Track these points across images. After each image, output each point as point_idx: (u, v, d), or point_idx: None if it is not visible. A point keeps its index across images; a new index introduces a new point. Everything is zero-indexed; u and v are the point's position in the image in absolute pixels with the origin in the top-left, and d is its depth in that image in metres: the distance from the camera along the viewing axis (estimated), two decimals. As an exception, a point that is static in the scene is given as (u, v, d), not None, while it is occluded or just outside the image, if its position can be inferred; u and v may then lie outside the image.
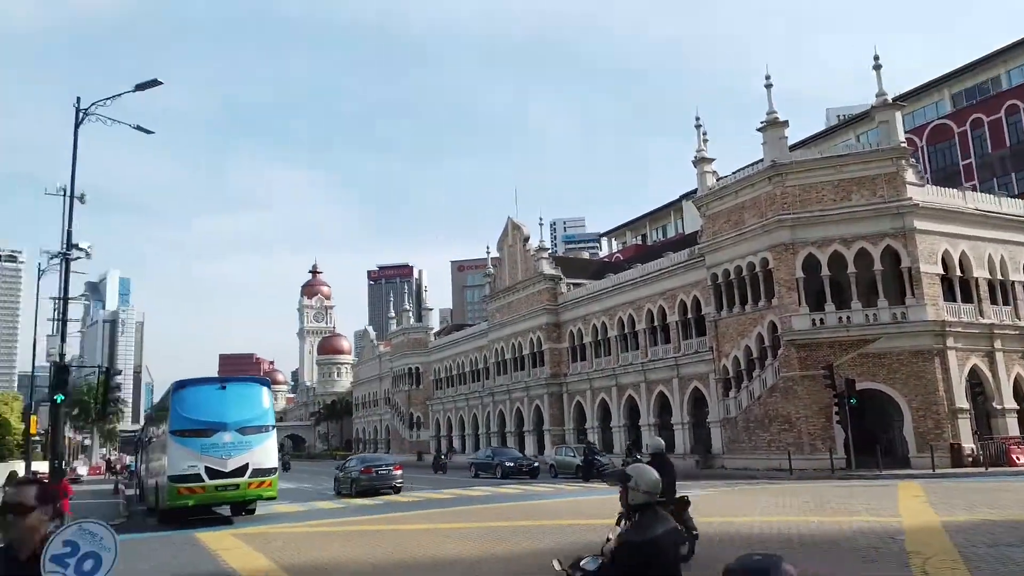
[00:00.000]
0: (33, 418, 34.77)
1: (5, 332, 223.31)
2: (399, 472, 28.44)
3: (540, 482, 32.48)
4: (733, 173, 37.34)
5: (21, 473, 30.50)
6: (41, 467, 34.37)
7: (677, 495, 11.09)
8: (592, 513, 17.98)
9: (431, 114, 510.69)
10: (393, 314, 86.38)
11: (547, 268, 52.28)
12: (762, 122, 34.08)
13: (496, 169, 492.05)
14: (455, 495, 26.61)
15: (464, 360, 66.02)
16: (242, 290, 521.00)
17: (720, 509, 18.30)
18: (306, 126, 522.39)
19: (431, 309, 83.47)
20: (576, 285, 51.02)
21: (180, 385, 20.14)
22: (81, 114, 22.69)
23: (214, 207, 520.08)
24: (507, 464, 36.10)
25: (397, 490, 27.78)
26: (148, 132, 24.29)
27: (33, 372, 40.64)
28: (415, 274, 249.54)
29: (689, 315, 39.68)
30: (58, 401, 21.64)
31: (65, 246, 22.82)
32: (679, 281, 40.31)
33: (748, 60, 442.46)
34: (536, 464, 36.00)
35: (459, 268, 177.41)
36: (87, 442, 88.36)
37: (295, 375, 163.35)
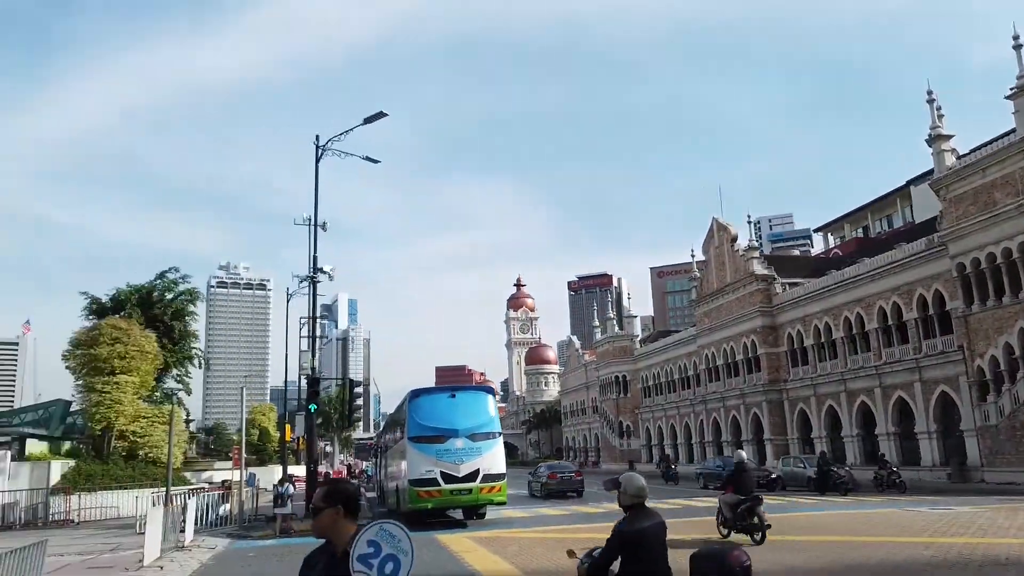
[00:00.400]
0: (287, 426, 39.13)
1: (258, 351, 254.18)
2: (580, 478, 33.07)
3: (771, 494, 30.52)
4: (972, 151, 33.09)
5: (277, 477, 34.29)
6: (298, 471, 38.34)
7: (753, 494, 15.09)
8: (863, 529, 16.57)
9: (630, 122, 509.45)
10: (597, 323, 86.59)
11: (759, 268, 49.64)
12: (1012, 88, 29.88)
13: (694, 172, 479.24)
14: (682, 506, 25.86)
15: (672, 367, 64.54)
16: (453, 305, 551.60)
17: (969, 528, 15.97)
18: (508, 144, 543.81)
19: (635, 316, 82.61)
20: (792, 285, 47.89)
21: (415, 394, 21.49)
22: (320, 150, 25.14)
23: (427, 228, 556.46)
24: None
25: (580, 494, 31.62)
26: (375, 162, 26.32)
27: (285, 385, 45.79)
28: (614, 283, 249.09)
29: (930, 311, 35.61)
30: (311, 410, 24.06)
31: (312, 270, 25.39)
32: (916, 274, 36.37)
33: (963, 28, 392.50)
34: (774, 475, 33.72)
35: (659, 275, 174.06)
36: (328, 448, 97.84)
37: (504, 385, 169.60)
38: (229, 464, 42.46)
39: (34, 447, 28.11)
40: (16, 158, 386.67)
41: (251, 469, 30.42)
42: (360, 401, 27.45)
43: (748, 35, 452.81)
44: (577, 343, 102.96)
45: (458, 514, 22.92)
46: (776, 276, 49.10)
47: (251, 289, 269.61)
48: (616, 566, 4.89)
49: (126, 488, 27.44)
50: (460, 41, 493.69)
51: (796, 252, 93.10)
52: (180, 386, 36.28)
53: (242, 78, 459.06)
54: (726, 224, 54.15)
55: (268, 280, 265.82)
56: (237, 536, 20.69)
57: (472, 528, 20.31)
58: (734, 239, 52.84)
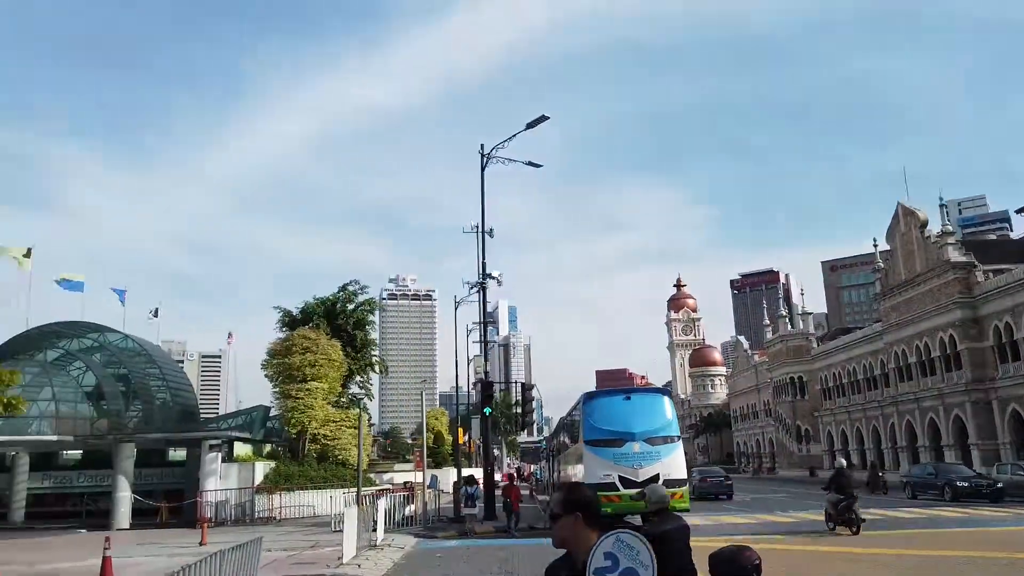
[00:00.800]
0: (460, 429, 40.38)
1: (426, 358, 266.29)
2: (729, 483, 36.82)
3: (999, 506, 27.06)
4: None
5: (451, 479, 35.30)
6: (475, 472, 39.18)
7: (851, 494, 18.56)
8: None
9: (794, 110, 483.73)
10: (768, 321, 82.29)
11: (955, 255, 44.84)
12: None
13: (864, 158, 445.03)
14: (921, 515, 23.60)
15: (855, 366, 59.89)
16: (611, 309, 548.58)
17: None
18: (660, 143, 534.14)
19: (809, 314, 77.54)
20: (996, 272, 42.82)
21: (590, 396, 21.21)
22: (485, 158, 25.61)
23: (580, 233, 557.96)
24: (958, 483, 30.16)
25: (730, 496, 34.55)
26: (538, 166, 26.44)
27: (456, 390, 47.32)
28: (782, 279, 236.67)
29: None
30: (487, 413, 24.49)
31: (481, 276, 25.91)
32: None
33: None
34: (1000, 485, 29.98)
35: (831, 268, 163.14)
36: (495, 452, 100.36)
37: (666, 388, 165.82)
38: (408, 466, 44.42)
39: (239, 449, 30.79)
40: (213, 192, 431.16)
41: (432, 471, 31.49)
42: (533, 404, 27.59)
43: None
44: (745, 343, 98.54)
45: (635, 520, 22.37)
46: (976, 263, 44.15)
47: (418, 300, 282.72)
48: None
49: (320, 488, 29.34)
50: (607, 40, 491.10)
51: (992, 236, 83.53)
52: (363, 392, 38.49)
53: (405, 99, 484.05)
54: (914, 209, 49.47)
55: (433, 290, 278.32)
56: (423, 536, 21.38)
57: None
58: (923, 224, 48.16)
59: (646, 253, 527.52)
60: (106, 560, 13.72)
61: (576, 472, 21.85)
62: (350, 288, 37.02)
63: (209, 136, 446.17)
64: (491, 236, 26.32)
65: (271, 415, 34.46)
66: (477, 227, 26.21)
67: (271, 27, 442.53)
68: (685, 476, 20.22)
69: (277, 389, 32.33)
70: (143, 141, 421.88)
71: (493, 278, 25.88)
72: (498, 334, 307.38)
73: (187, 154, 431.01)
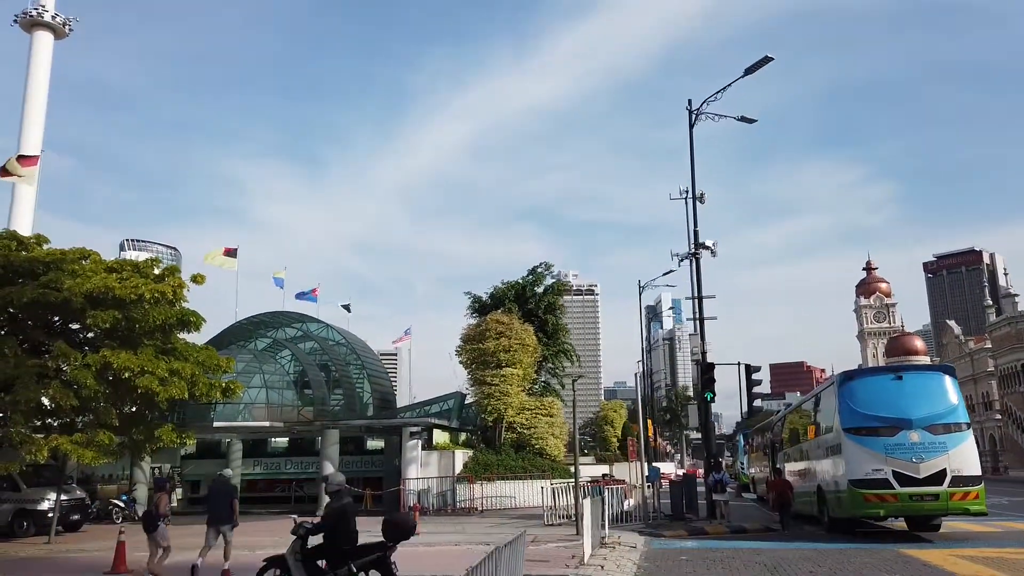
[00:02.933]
0: (648, 421, 37.70)
1: (590, 353, 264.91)
2: None
3: None
4: None
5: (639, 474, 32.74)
6: (660, 467, 36.31)
7: None
8: None
9: (991, 75, 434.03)
10: (990, 302, 72.36)
11: None
12: None
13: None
14: None
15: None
16: (785, 297, 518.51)
17: None
18: (835, 118, 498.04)
19: (1016, 295, 66.88)
20: None
21: (848, 376, 17.94)
22: (694, 114, 22.91)
23: (749, 218, 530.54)
24: None
25: None
26: (751, 121, 23.38)
27: (640, 379, 44.55)
28: (985, 259, 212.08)
29: None
30: (708, 399, 21.79)
31: (692, 245, 23.23)
32: None
33: None
34: None
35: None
36: (670, 447, 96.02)
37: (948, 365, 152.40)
38: (588, 459, 42.31)
39: (438, 437, 30.15)
40: (382, 198, 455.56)
41: (653, 464, 29.21)
42: (757, 388, 24.50)
43: None
44: (957, 328, 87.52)
45: (900, 523, 18.84)
46: None
47: (580, 295, 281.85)
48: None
49: (520, 479, 27.95)
50: (772, 22, 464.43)
51: None
52: (556, 380, 36.90)
53: (559, 95, 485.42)
54: None
55: (596, 285, 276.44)
56: (648, 534, 19.13)
57: (941, 544, 16.16)
58: None
59: (821, 236, 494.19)
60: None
61: (826, 468, 18.64)
62: (539, 270, 35.57)
63: (380, 147, 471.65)
64: (702, 202, 23.56)
65: (466, 403, 33.67)
66: (686, 191, 23.56)
67: (431, 38, 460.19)
68: (979, 472, 16.47)
69: (471, 376, 31.38)
70: (322, 155, 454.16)
71: (707, 248, 23.10)
72: (661, 328, 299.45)
73: (360, 165, 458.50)
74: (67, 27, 66.89)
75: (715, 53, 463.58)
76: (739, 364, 24.75)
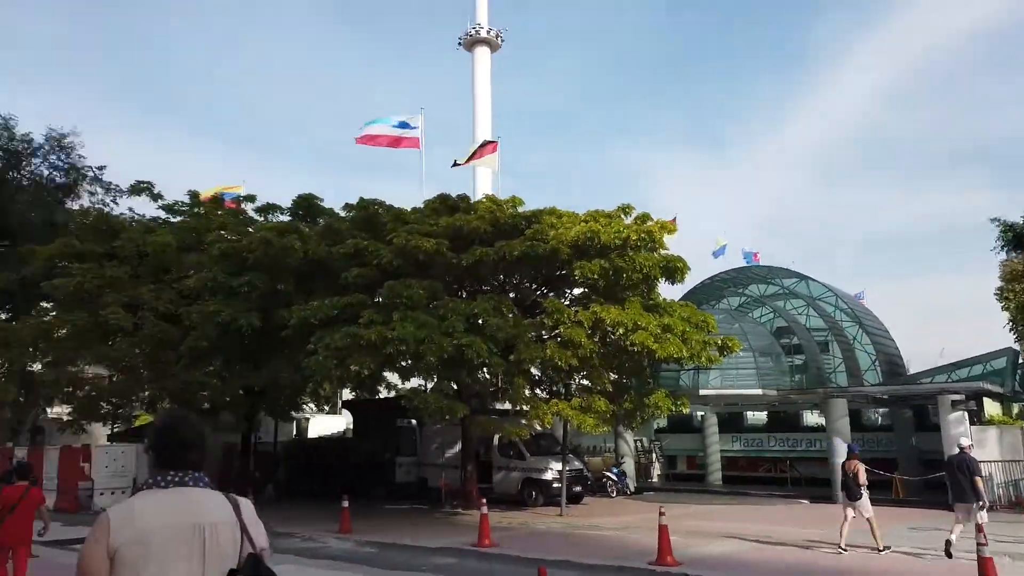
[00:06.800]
0: None
1: None
2: None
3: None
4: None
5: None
6: None
7: None
8: None
9: None
10: None
11: None
12: None
13: None
14: None
15: None
16: None
17: None
18: None
19: None
20: None
21: None
22: None
23: None
24: None
25: None
26: None
27: None
28: None
29: None
30: None
31: None
32: None
33: None
34: None
35: None
36: None
37: None
38: None
39: (991, 408, 22.64)
40: (791, 167, 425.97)
41: None
42: None
43: None
44: None
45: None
46: None
47: None
48: None
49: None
50: None
51: None
52: None
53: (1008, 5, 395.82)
54: None
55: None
56: None
57: None
58: None
59: None
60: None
61: None
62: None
63: (778, 115, 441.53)
64: None
65: (1019, 362, 24.92)
66: None
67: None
68: None
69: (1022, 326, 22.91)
70: (723, 134, 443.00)
71: None
72: None
73: (761, 137, 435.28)
74: (499, 38, 72.85)
75: None
76: None
